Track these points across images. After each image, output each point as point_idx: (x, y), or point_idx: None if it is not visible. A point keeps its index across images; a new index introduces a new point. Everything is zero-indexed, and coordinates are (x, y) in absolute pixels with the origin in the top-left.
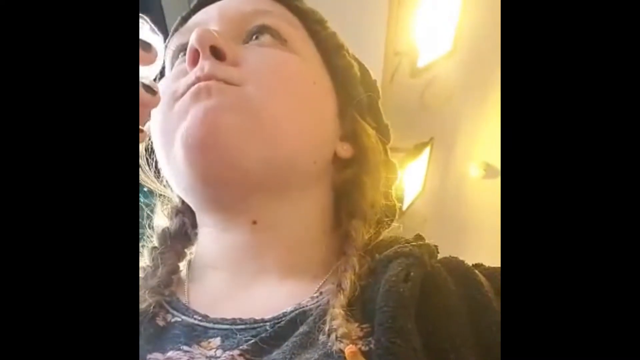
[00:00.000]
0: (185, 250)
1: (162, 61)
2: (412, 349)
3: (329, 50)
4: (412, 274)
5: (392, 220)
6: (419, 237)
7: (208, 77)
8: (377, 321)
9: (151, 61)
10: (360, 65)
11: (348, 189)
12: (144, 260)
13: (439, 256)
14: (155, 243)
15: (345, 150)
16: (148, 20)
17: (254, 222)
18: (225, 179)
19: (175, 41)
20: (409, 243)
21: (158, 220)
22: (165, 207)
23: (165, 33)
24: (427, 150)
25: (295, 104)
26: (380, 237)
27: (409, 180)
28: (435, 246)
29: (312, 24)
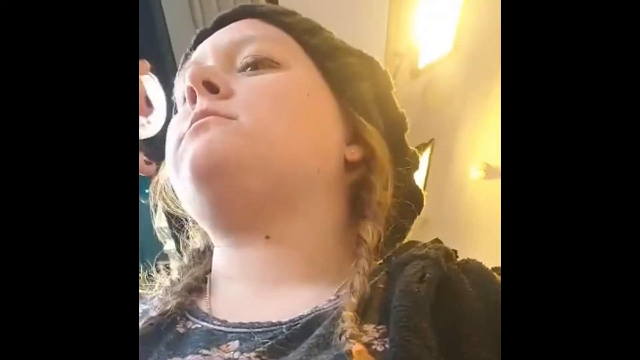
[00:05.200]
0: (209, 261)
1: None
2: (426, 348)
3: (322, 56)
4: (427, 275)
5: (418, 213)
6: (436, 240)
7: (205, 113)
8: (392, 320)
9: (151, 173)
10: (366, 59)
11: (358, 190)
12: (174, 275)
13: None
14: (185, 261)
15: (352, 154)
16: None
17: (267, 237)
18: (233, 204)
19: (181, 83)
20: (426, 247)
21: (190, 242)
22: (195, 229)
23: (173, 59)
24: (427, 151)
25: (290, 122)
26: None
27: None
28: (454, 250)
29: (301, 35)
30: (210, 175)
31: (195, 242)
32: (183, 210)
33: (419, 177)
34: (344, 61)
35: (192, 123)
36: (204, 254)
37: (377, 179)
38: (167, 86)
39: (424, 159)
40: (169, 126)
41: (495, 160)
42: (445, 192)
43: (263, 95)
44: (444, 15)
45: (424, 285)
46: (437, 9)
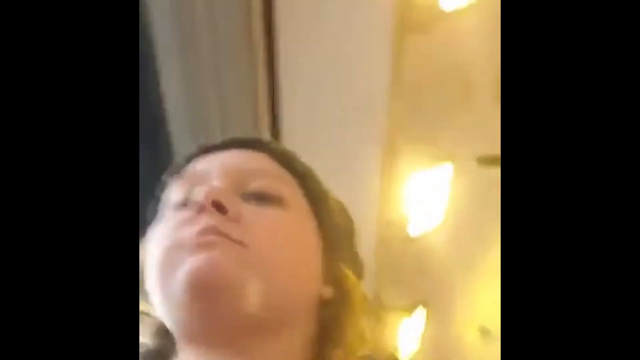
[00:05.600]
0: None
1: None
2: None
3: (315, 202)
4: None
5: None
6: (391, 356)
7: (213, 231)
8: None
9: None
10: (340, 205)
11: (330, 326)
12: None
13: None
14: None
15: (327, 293)
16: None
17: (238, 353)
18: (220, 325)
19: (177, 189)
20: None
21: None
22: (147, 324)
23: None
24: (423, 309)
25: (289, 258)
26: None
27: (405, 338)
28: None
29: (303, 179)
30: (207, 294)
31: (147, 342)
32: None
33: (414, 334)
34: (330, 209)
35: (197, 235)
36: (156, 356)
37: (348, 319)
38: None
39: (419, 316)
40: (158, 225)
41: (490, 322)
42: (440, 351)
43: (269, 229)
44: (434, 188)
45: None
46: (427, 183)
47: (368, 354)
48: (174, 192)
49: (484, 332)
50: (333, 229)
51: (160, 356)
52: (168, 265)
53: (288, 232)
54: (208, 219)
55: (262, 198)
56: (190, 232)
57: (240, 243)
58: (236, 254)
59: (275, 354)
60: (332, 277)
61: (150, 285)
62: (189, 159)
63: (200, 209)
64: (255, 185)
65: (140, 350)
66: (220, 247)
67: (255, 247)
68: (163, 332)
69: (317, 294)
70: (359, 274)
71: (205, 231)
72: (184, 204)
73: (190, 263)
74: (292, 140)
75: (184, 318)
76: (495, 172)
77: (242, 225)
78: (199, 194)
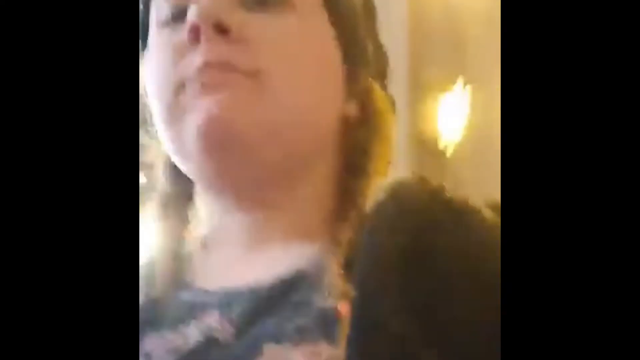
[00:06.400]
0: (189, 215)
1: None
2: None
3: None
4: (402, 212)
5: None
6: (422, 179)
7: (217, 65)
8: (358, 271)
9: None
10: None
11: (356, 152)
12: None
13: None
14: (156, 208)
15: (351, 110)
16: None
17: (262, 202)
18: (243, 176)
19: (163, 2)
20: (406, 186)
21: (156, 179)
22: (161, 163)
23: None
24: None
25: (307, 76)
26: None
27: (447, 120)
28: (442, 185)
29: None
30: (223, 147)
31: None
32: (151, 135)
33: (457, 118)
34: (351, 8)
35: (200, 72)
36: (178, 202)
37: (377, 142)
38: None
39: (462, 97)
40: (151, 50)
41: None
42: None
43: (280, 44)
44: None
45: (395, 234)
46: None
47: (397, 180)
48: (160, 5)
49: None
50: (351, 24)
51: (181, 198)
52: (174, 109)
53: (303, 45)
54: (209, 48)
55: (265, 2)
56: (191, 67)
57: (251, 74)
58: (248, 92)
59: (302, 196)
60: (356, 91)
61: (160, 127)
62: None
63: (197, 33)
64: None
65: (159, 193)
66: (229, 86)
67: (274, 76)
68: (182, 174)
69: (341, 114)
70: (381, 60)
71: (208, 65)
72: (176, 18)
73: (199, 111)
74: None
75: (199, 168)
76: None
77: (250, 46)
78: (192, 12)
